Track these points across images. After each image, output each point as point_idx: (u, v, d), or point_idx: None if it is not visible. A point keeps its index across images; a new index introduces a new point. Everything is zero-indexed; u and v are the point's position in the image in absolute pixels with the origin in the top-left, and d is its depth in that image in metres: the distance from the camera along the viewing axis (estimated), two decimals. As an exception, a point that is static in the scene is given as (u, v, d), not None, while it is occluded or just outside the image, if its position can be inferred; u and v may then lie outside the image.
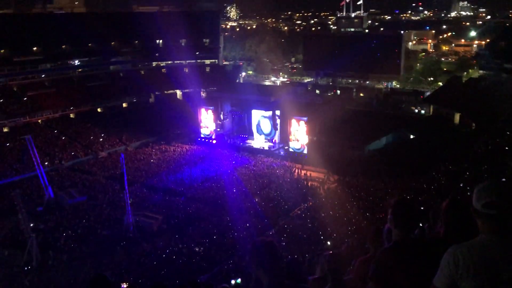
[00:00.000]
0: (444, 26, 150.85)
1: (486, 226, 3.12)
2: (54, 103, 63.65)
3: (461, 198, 4.83)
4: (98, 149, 55.97)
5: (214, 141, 58.21)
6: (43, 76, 68.64)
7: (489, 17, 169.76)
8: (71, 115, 64.26)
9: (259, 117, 57.99)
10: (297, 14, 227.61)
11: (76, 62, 73.81)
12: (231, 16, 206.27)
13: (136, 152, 55.52)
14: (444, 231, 4.61)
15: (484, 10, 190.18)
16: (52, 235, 33.23)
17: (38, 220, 34.92)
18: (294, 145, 52.51)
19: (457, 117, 54.98)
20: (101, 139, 58.14)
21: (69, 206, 38.69)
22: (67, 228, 34.28)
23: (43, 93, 64.52)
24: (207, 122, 59.60)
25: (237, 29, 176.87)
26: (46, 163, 47.66)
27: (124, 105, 71.24)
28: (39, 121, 60.47)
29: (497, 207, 3.02)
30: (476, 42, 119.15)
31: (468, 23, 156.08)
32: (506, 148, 35.29)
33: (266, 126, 57.74)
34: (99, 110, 67.63)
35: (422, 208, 25.08)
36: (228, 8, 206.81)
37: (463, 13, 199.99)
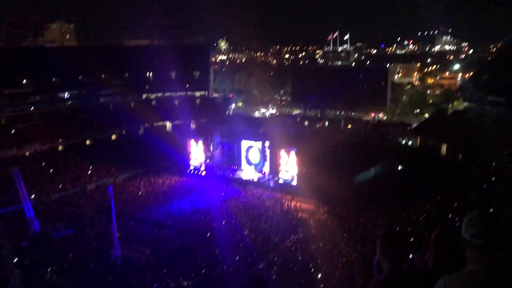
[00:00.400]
0: (429, 60, 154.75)
1: (475, 257, 3.16)
2: (43, 135, 63.37)
3: (450, 228, 4.91)
4: (86, 182, 55.41)
5: (204, 173, 58.05)
6: (32, 108, 68.49)
7: (471, 51, 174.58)
8: (60, 148, 63.89)
9: (248, 147, 58.22)
10: (286, 48, 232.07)
11: (66, 94, 73.96)
12: (221, 50, 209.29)
13: (124, 184, 55.05)
14: (434, 262, 4.62)
15: (466, 44, 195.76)
16: (37, 270, 32.38)
17: (23, 255, 34.07)
18: (283, 176, 52.56)
19: (444, 148, 55.65)
20: (89, 172, 57.64)
21: (56, 240, 37.91)
22: (53, 263, 33.45)
23: (32, 126, 64.30)
24: (196, 153, 59.57)
25: (227, 62, 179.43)
26: (33, 196, 46.92)
27: (113, 137, 71.12)
28: (27, 153, 59.94)
29: (485, 237, 3.08)
30: (460, 75, 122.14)
31: (451, 57, 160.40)
32: (493, 178, 35.69)
33: (255, 157, 57.92)
34: (88, 142, 67.41)
35: (411, 239, 25.10)
36: (218, 42, 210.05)
37: (447, 47, 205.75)
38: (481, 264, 3.12)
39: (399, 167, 55.89)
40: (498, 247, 3.08)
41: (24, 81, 68.69)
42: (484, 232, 3.09)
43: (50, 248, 36.56)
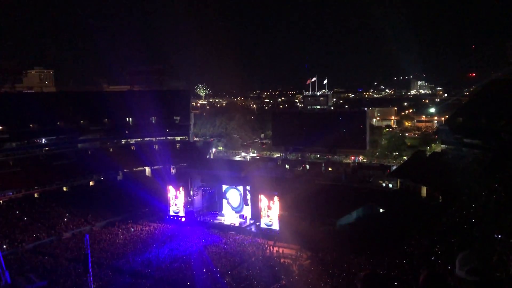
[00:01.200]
0: (405, 103, 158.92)
1: None
2: (18, 182, 61.79)
3: (434, 271, 4.74)
4: (62, 230, 53.67)
5: (183, 219, 56.90)
6: (7, 155, 67.06)
7: (445, 95, 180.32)
8: (35, 195, 62.25)
9: (229, 192, 57.54)
10: (265, 93, 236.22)
11: (43, 140, 72.88)
12: (201, 95, 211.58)
13: (101, 232, 53.47)
14: None
15: (440, 88, 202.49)
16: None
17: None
18: (265, 221, 51.84)
19: (423, 190, 56.14)
20: (65, 219, 55.99)
21: (27, 293, 36.12)
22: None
23: (7, 173, 62.69)
24: (176, 199, 58.60)
25: (208, 107, 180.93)
26: (4, 246, 45.20)
27: (91, 183, 69.82)
28: (1, 201, 58.15)
29: (480, 274, 3.03)
30: (436, 118, 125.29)
31: (427, 100, 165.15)
32: (473, 220, 35.83)
33: (235, 200, 57.06)
34: (64, 189, 65.96)
35: (396, 283, 24.63)
36: (198, 87, 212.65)
37: (422, 91, 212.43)
38: None
39: (380, 210, 55.89)
40: (493, 285, 3.01)
41: (0, 127, 67.57)
42: (479, 269, 3.06)
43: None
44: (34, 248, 49.04)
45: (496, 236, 27.85)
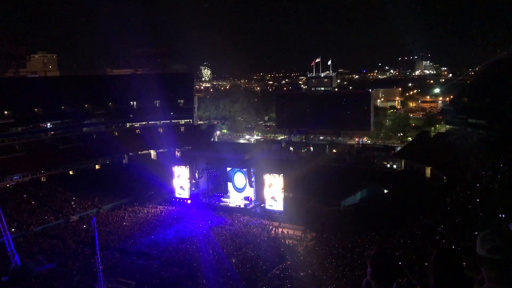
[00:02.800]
0: (410, 84, 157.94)
1: (491, 274, 3.14)
2: (25, 167, 62.24)
3: (450, 248, 4.81)
4: (69, 213, 54.30)
5: (189, 201, 57.38)
6: (13, 139, 67.43)
7: (450, 75, 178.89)
8: (42, 179, 62.78)
9: (234, 174, 57.94)
10: (269, 75, 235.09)
11: (49, 125, 73.17)
12: (205, 77, 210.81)
13: (108, 215, 54.05)
14: (435, 282, 4.52)
15: (445, 69, 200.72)
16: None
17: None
18: (269, 202, 52.22)
19: (428, 170, 56.17)
20: (72, 203, 56.58)
21: (37, 274, 36.78)
22: (34, 299, 32.42)
23: (13, 157, 63.11)
24: (181, 180, 59.00)
25: (211, 90, 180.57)
26: (13, 230, 45.82)
27: (97, 167, 70.31)
28: (8, 185, 58.75)
29: (502, 252, 3.07)
30: (441, 98, 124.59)
31: (432, 81, 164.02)
32: (477, 200, 35.94)
33: (241, 181, 57.53)
34: (71, 172, 66.45)
35: (400, 263, 24.93)
36: (201, 70, 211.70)
37: (427, 71, 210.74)
38: (500, 281, 3.10)
39: (385, 191, 56.10)
40: None
41: (6, 112, 67.83)
42: (500, 247, 3.10)
43: (31, 283, 35.44)
44: (42, 231, 49.74)
45: (500, 215, 27.95)
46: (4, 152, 63.27)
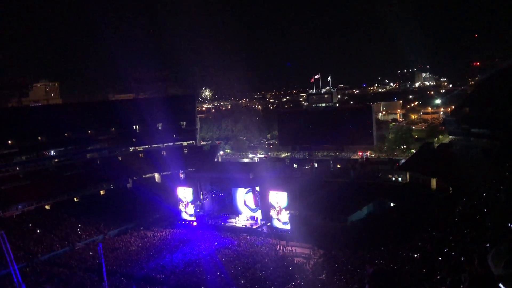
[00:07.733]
0: (411, 96, 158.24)
1: None
2: (29, 195, 62.28)
3: (449, 264, 4.72)
4: (75, 240, 54.09)
5: (195, 223, 57.13)
6: (17, 168, 67.68)
7: (451, 85, 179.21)
8: (47, 207, 62.75)
9: (243, 194, 57.90)
10: (270, 93, 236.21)
11: (52, 152, 73.47)
12: (206, 98, 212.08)
13: (114, 240, 53.84)
14: None
15: (445, 79, 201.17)
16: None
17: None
18: (276, 221, 51.94)
19: (433, 182, 55.82)
20: (78, 230, 56.43)
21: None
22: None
23: (18, 186, 63.24)
24: (186, 203, 58.81)
25: (213, 110, 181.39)
26: (20, 259, 45.58)
27: (102, 192, 70.28)
28: (13, 215, 58.71)
29: None
30: (442, 109, 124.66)
31: (432, 92, 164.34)
32: (485, 210, 35.63)
33: (248, 202, 57.51)
34: (75, 199, 66.44)
35: (407, 278, 24.58)
36: (202, 91, 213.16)
37: (427, 83, 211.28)
38: None
39: (391, 204, 55.69)
40: None
41: (10, 141, 68.21)
42: None
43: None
44: (49, 259, 49.53)
45: (509, 224, 27.69)
46: (9, 181, 63.47)
